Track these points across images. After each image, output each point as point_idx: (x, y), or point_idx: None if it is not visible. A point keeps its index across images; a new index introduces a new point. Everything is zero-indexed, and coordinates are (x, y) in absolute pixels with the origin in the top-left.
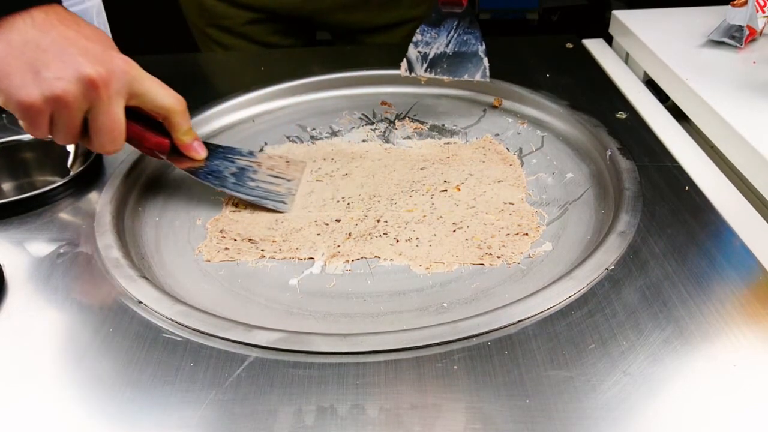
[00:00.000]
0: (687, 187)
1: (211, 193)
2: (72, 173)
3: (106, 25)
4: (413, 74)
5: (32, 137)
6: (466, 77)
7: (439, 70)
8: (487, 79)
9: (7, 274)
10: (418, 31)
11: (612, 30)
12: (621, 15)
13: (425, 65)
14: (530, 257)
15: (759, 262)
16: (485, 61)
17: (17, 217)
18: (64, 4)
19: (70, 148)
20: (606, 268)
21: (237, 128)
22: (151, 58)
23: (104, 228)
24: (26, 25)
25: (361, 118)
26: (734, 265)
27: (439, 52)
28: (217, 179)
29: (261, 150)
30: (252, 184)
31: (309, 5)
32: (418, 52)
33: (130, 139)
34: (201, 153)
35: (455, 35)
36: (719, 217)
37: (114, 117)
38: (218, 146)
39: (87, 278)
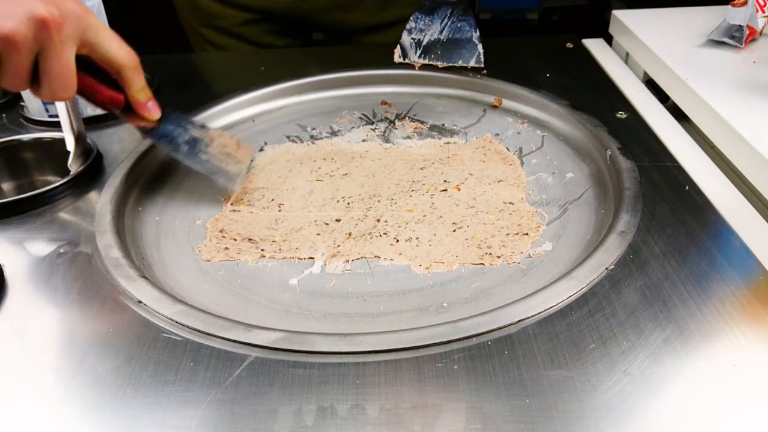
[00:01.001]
0: (687, 187)
1: (212, 192)
2: (72, 173)
3: (105, 24)
4: (407, 60)
5: (32, 138)
6: (460, 63)
7: (432, 56)
8: (482, 65)
9: (7, 274)
10: (411, 18)
11: (612, 30)
12: (621, 15)
13: (419, 51)
14: (530, 257)
15: (759, 262)
16: (479, 47)
17: (17, 217)
18: None
19: (70, 147)
20: (606, 268)
21: (237, 128)
22: (150, 57)
23: (104, 228)
24: None
25: (361, 118)
26: (734, 265)
27: (433, 38)
28: (171, 144)
29: (261, 149)
30: (204, 156)
31: (305, 5)
32: (412, 38)
33: (82, 92)
34: (154, 113)
35: (449, 22)
36: (719, 217)
37: (65, 62)
38: (173, 111)
39: (87, 278)
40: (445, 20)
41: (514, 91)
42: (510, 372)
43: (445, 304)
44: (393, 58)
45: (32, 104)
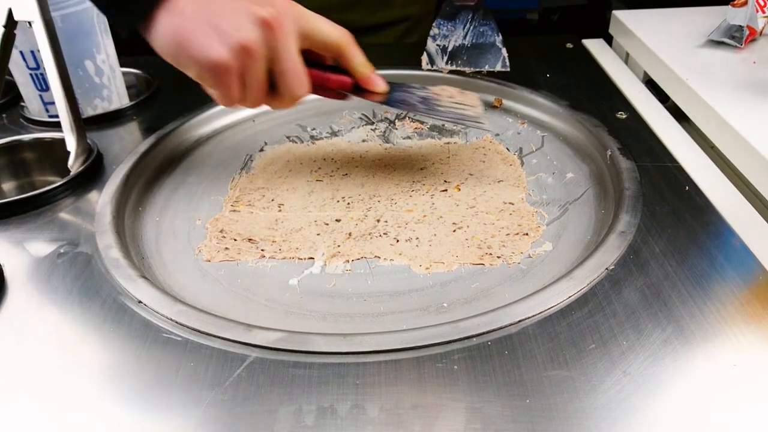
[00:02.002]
0: (687, 187)
1: (211, 192)
2: (72, 173)
3: (105, 25)
4: (434, 68)
5: (32, 138)
6: (486, 68)
7: (459, 62)
8: (507, 68)
9: (7, 274)
10: (434, 24)
11: (612, 30)
12: (621, 15)
13: (446, 58)
14: (530, 257)
15: (759, 262)
16: (503, 51)
17: (17, 217)
18: (61, 5)
19: (71, 147)
20: (606, 268)
21: (237, 128)
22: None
23: (104, 228)
24: None
25: (361, 118)
26: (734, 265)
27: (457, 44)
28: (408, 105)
29: (261, 150)
30: (441, 109)
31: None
32: (437, 45)
33: (313, 86)
34: (382, 85)
35: (471, 27)
36: (719, 217)
37: (294, 56)
38: (393, 83)
39: (87, 278)
40: (468, 25)
41: (514, 91)
42: (510, 372)
43: (445, 305)
44: (389, 57)
45: (32, 104)
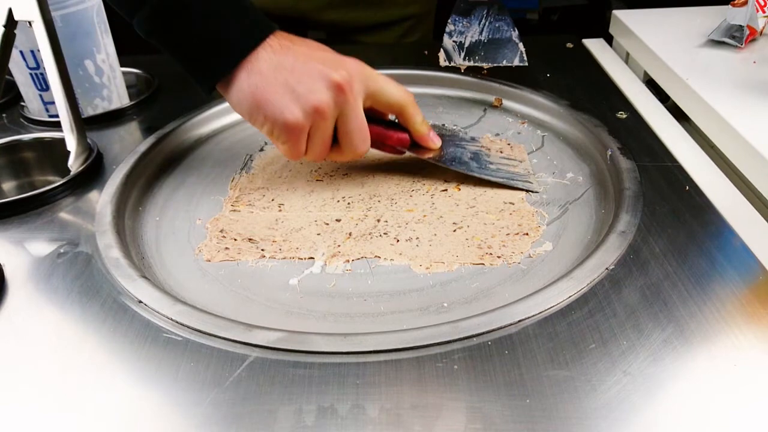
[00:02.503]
0: (687, 187)
1: (211, 192)
2: (72, 173)
3: (105, 24)
4: (452, 64)
5: (32, 138)
6: (504, 63)
7: (477, 57)
8: (525, 63)
9: (7, 274)
10: (450, 21)
11: (612, 30)
12: (621, 15)
13: (463, 54)
14: (530, 257)
15: (759, 262)
16: (521, 45)
17: (17, 217)
18: (61, 5)
19: (71, 147)
20: (606, 268)
21: (237, 128)
22: (150, 57)
23: (104, 228)
24: (268, 54)
25: None
26: (734, 265)
27: (474, 40)
28: (462, 164)
29: (261, 150)
30: (492, 166)
31: (302, 4)
32: (454, 41)
33: (373, 142)
34: (437, 142)
35: (487, 23)
36: (719, 217)
37: (360, 117)
38: (443, 134)
39: (87, 278)
40: (483, 21)
41: (514, 91)
42: (510, 372)
43: (445, 304)
44: (389, 57)
45: (32, 104)
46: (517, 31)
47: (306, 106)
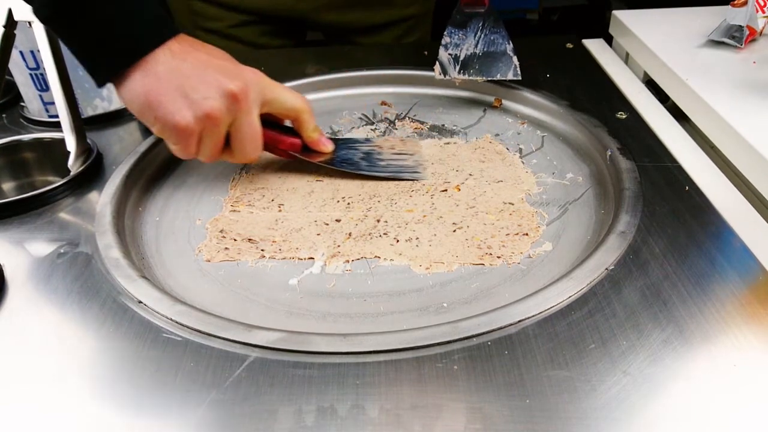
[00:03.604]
0: (687, 187)
1: (211, 192)
2: (72, 173)
3: None
4: (447, 77)
5: (32, 138)
6: (498, 76)
7: (472, 71)
8: (519, 77)
9: (7, 274)
10: (445, 33)
11: (612, 30)
12: (621, 15)
13: (458, 67)
14: (530, 257)
15: (759, 262)
16: (515, 59)
17: (17, 217)
18: None
19: (71, 147)
20: (606, 268)
21: None
22: None
23: (104, 228)
24: (167, 57)
25: (361, 118)
26: (734, 265)
27: (469, 53)
28: (351, 164)
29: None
30: (382, 163)
31: (300, 6)
32: (449, 54)
33: (266, 145)
34: (330, 146)
35: (482, 35)
36: (719, 217)
37: (254, 125)
38: (338, 139)
39: (87, 278)
40: (479, 33)
41: (514, 91)
42: (510, 372)
43: (445, 305)
44: (389, 57)
45: (32, 104)
46: (511, 44)
47: (198, 112)
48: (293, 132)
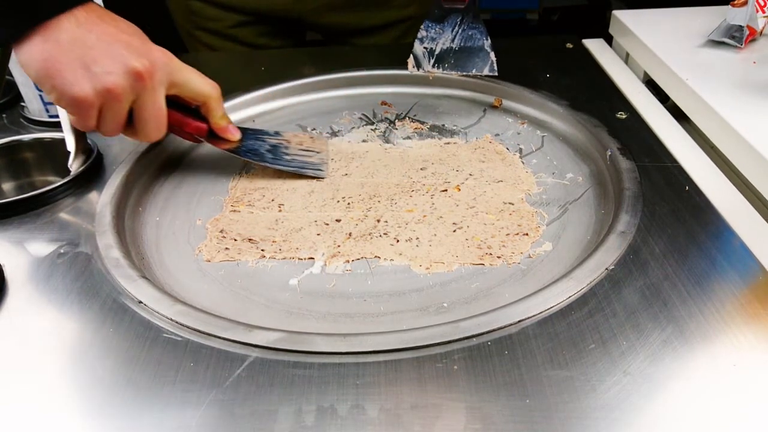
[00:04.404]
0: (687, 187)
1: (211, 192)
2: (72, 173)
3: None
4: (421, 71)
5: (32, 138)
6: (474, 72)
7: (446, 65)
8: (495, 73)
9: (7, 274)
10: (422, 27)
11: (612, 30)
12: (621, 15)
13: (432, 61)
14: (530, 257)
15: (759, 262)
16: (492, 55)
17: (17, 217)
18: None
19: (71, 147)
20: (606, 268)
21: None
22: None
23: (104, 228)
24: (71, 25)
25: (361, 118)
26: (734, 265)
27: (445, 47)
28: (256, 155)
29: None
30: (287, 157)
31: (298, 7)
32: (424, 48)
33: (171, 127)
34: (236, 135)
35: (460, 30)
36: (719, 217)
37: (159, 105)
38: (247, 129)
39: (87, 278)
40: (456, 28)
41: (514, 91)
42: (510, 372)
43: (445, 305)
44: (388, 58)
45: (32, 104)
46: (489, 41)
47: (98, 86)
48: (201, 116)
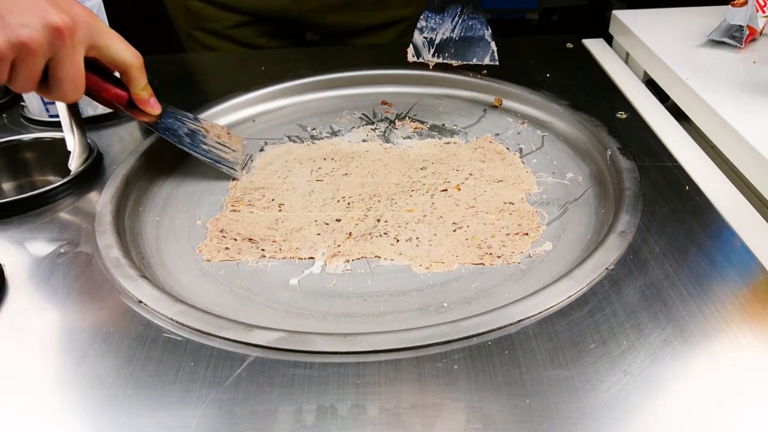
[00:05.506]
0: (687, 187)
1: (211, 192)
2: (72, 173)
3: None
4: (420, 59)
5: (32, 138)
6: (474, 61)
7: (446, 54)
8: (496, 62)
9: (7, 274)
10: (422, 17)
11: (612, 30)
12: (621, 15)
13: (432, 50)
14: (530, 257)
15: (759, 262)
16: (493, 44)
17: (17, 217)
18: None
19: (71, 147)
20: (606, 268)
21: (237, 128)
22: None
23: (104, 228)
24: None
25: (361, 118)
26: (734, 265)
27: (445, 37)
28: (175, 136)
29: (261, 150)
30: (205, 147)
31: (297, 7)
32: (424, 37)
33: (89, 91)
34: (156, 109)
35: (460, 20)
36: (719, 217)
37: (77, 66)
38: (168, 107)
39: (87, 278)
40: (456, 18)
41: (514, 91)
42: (510, 372)
43: (445, 304)
44: (387, 58)
45: (32, 104)
46: (490, 30)
47: (12, 38)
48: (123, 85)
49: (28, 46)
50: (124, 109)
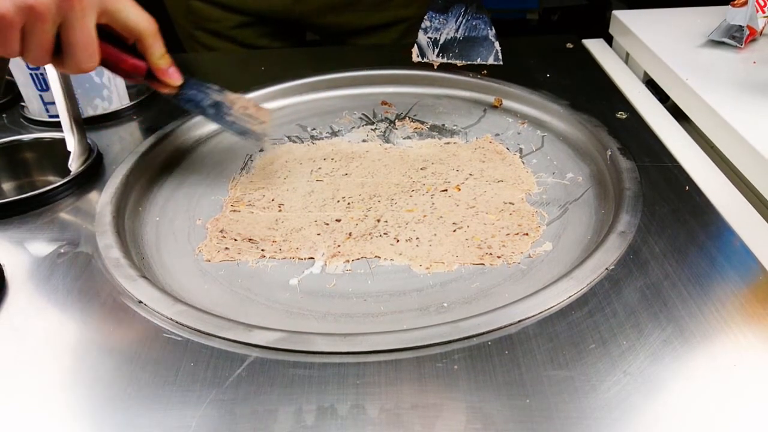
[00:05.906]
0: (687, 187)
1: (211, 192)
2: (72, 173)
3: None
4: (425, 59)
5: (32, 138)
6: (479, 60)
7: (450, 54)
8: (500, 62)
9: (7, 274)
10: (426, 17)
11: (612, 30)
12: (621, 15)
13: (436, 50)
14: (530, 257)
15: (759, 262)
16: (497, 44)
17: (17, 217)
18: None
19: (71, 147)
20: (606, 268)
21: None
22: None
23: (104, 228)
24: None
25: (361, 118)
26: (734, 265)
27: (449, 37)
28: (197, 108)
29: (261, 150)
30: (229, 118)
31: (298, 7)
32: (428, 38)
33: (105, 62)
34: (176, 80)
35: (464, 21)
36: (719, 217)
37: (88, 31)
38: (191, 78)
39: (87, 278)
40: (460, 18)
41: (514, 91)
42: (510, 372)
43: (445, 304)
44: (388, 58)
45: (32, 104)
46: (494, 30)
47: (18, 2)
48: (141, 55)
49: (36, 10)
50: (144, 81)
